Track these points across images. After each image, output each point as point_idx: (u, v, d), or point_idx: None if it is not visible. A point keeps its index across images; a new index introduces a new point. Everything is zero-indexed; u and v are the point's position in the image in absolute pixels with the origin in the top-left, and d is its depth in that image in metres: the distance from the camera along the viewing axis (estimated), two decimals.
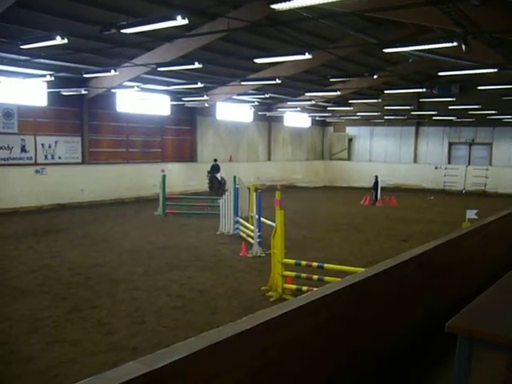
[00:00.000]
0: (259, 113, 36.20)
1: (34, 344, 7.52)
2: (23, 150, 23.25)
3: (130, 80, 23.41)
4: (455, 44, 12.30)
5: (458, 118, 36.13)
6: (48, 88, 23.28)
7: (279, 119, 39.13)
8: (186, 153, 31.75)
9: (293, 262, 9.90)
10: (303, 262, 9.79)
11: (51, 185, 23.11)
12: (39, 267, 12.16)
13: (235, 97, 31.52)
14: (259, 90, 28.63)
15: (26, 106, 23.13)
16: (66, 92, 23.36)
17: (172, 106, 29.81)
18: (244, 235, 15.69)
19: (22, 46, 14.08)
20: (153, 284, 10.84)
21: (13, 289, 10.34)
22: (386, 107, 34.40)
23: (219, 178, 23.72)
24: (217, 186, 23.45)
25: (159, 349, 1.81)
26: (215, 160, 24.76)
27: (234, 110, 34.32)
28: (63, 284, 10.79)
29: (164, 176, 21.57)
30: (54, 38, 12.42)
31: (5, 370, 6.66)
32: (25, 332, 8.00)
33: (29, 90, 22.92)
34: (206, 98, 27.75)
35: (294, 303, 2.77)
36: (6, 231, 16.91)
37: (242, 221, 16.46)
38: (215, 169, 23.97)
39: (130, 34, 12.80)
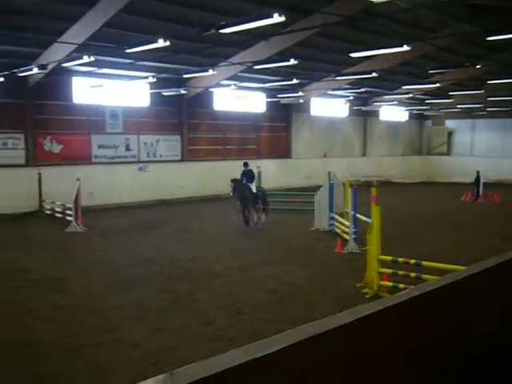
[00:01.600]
0: (354, 107, 35.72)
1: (139, 331, 7.96)
2: (127, 148, 24.54)
3: (226, 79, 23.96)
4: None
5: None
6: (150, 89, 24.35)
7: (375, 113, 38.40)
8: (281, 149, 31.98)
9: (389, 258, 9.74)
10: (400, 259, 9.61)
11: (153, 181, 24.18)
12: (143, 260, 12.80)
13: (330, 92, 31.31)
14: (354, 84, 28.26)
15: (130, 107, 24.38)
16: (166, 92, 24.32)
17: (267, 102, 30.13)
18: (339, 231, 15.60)
19: (127, 50, 14.82)
20: (249, 278, 11.08)
21: (120, 279, 10.97)
22: (488, 98, 32.71)
23: (254, 190, 17.21)
24: (251, 201, 16.96)
25: (256, 340, 1.89)
26: (246, 164, 17.70)
27: (328, 105, 34.11)
28: (165, 276, 11.29)
29: (259, 172, 21.87)
30: (156, 41, 12.99)
31: (114, 355, 7.11)
32: (131, 320, 8.49)
33: (133, 91, 24.13)
34: (300, 94, 27.77)
35: (394, 299, 2.76)
36: (113, 226, 17.91)
37: (337, 217, 16.37)
38: (247, 176, 17.44)
39: (227, 33, 13.10)
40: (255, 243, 14.93)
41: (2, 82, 18.88)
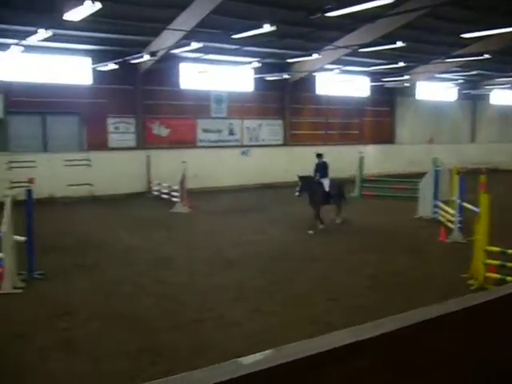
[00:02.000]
0: (463, 91, 34.10)
1: (240, 311, 8.22)
2: (231, 132, 25.13)
3: (330, 63, 23.76)
4: None
5: None
6: (254, 74, 24.69)
7: (485, 97, 36.43)
8: (384, 134, 31.27)
9: (497, 249, 9.32)
10: (509, 251, 9.16)
11: (255, 165, 24.56)
12: (244, 241, 13.14)
13: (437, 75, 30.10)
14: (464, 66, 26.96)
15: (235, 92, 24.88)
16: (270, 77, 24.53)
17: (371, 86, 29.55)
18: (443, 220, 15.08)
19: (234, 36, 15.11)
20: (348, 264, 11.03)
21: (221, 260, 11.35)
22: None
23: (326, 188, 14.84)
24: (321, 201, 14.77)
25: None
26: (319, 156, 15.50)
27: (435, 89, 32.83)
28: (264, 258, 11.52)
29: (361, 158, 21.60)
30: (262, 27, 13.15)
31: (215, 333, 7.41)
32: (232, 300, 8.78)
33: (237, 76, 24.60)
34: (406, 77, 26.96)
35: (503, 290, 2.67)
36: (216, 207, 18.47)
37: (441, 205, 15.82)
38: (321, 170, 15.26)
39: (332, 16, 12.96)
40: (356, 229, 14.79)
41: (116, 69, 19.92)
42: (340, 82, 28.12)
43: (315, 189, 14.52)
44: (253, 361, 1.60)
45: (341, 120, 29.11)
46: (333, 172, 26.11)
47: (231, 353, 6.50)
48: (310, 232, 14.15)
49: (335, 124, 28.94)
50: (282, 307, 8.38)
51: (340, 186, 15.64)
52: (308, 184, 14.46)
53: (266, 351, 1.66)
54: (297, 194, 14.53)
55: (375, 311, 7.96)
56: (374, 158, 26.97)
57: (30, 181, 10.48)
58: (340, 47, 20.13)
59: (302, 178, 14.56)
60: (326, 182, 14.90)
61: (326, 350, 1.73)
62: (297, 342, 1.75)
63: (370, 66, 25.48)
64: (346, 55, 22.69)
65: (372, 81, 29.09)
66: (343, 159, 26.61)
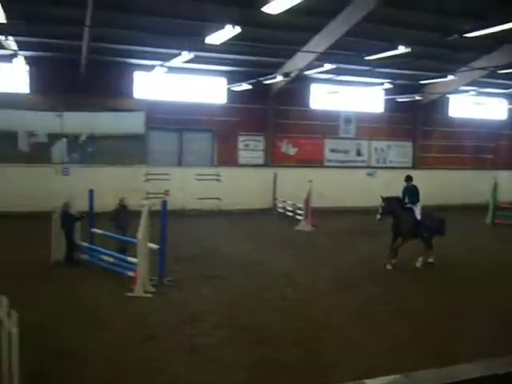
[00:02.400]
0: None
1: (360, 331, 8.26)
2: (358, 153, 24.97)
3: (465, 84, 22.86)
4: None
5: None
6: (385, 95, 24.43)
7: None
8: None
9: None
10: None
11: (380, 187, 24.05)
12: (364, 262, 13.10)
13: None
14: None
15: (363, 113, 24.76)
16: (401, 98, 24.10)
17: (509, 109, 27.96)
18: None
19: (367, 58, 15.11)
20: (478, 295, 10.54)
21: (342, 280, 11.38)
22: None
23: (418, 216, 12.76)
24: (409, 230, 12.67)
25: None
26: (408, 178, 13.38)
27: None
28: (385, 282, 11.44)
29: (496, 183, 20.47)
30: (396, 48, 13.05)
31: (335, 351, 7.46)
32: (352, 319, 8.86)
33: (367, 97, 24.49)
34: None
35: None
36: (339, 228, 18.40)
37: None
38: (410, 194, 13.08)
39: (470, 37, 12.53)
40: (486, 260, 13.96)
41: (249, 89, 20.68)
42: (475, 105, 26.94)
43: (403, 215, 12.61)
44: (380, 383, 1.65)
45: (474, 144, 27.76)
46: (463, 197, 25.13)
47: (350, 373, 6.53)
48: (418, 265, 12.77)
49: (468, 148, 27.64)
50: (403, 332, 8.31)
51: (442, 218, 13.56)
52: (391, 207, 12.58)
53: (394, 375, 1.69)
54: (378, 217, 12.63)
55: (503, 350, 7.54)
56: (510, 185, 25.37)
57: (166, 193, 11.14)
58: (477, 69, 19.29)
59: (386, 199, 12.68)
60: (417, 210, 12.83)
61: (461, 380, 1.73)
62: (427, 370, 1.76)
63: (508, 88, 24.15)
64: (483, 77, 21.70)
65: (511, 103, 27.51)
66: (475, 184, 25.34)
